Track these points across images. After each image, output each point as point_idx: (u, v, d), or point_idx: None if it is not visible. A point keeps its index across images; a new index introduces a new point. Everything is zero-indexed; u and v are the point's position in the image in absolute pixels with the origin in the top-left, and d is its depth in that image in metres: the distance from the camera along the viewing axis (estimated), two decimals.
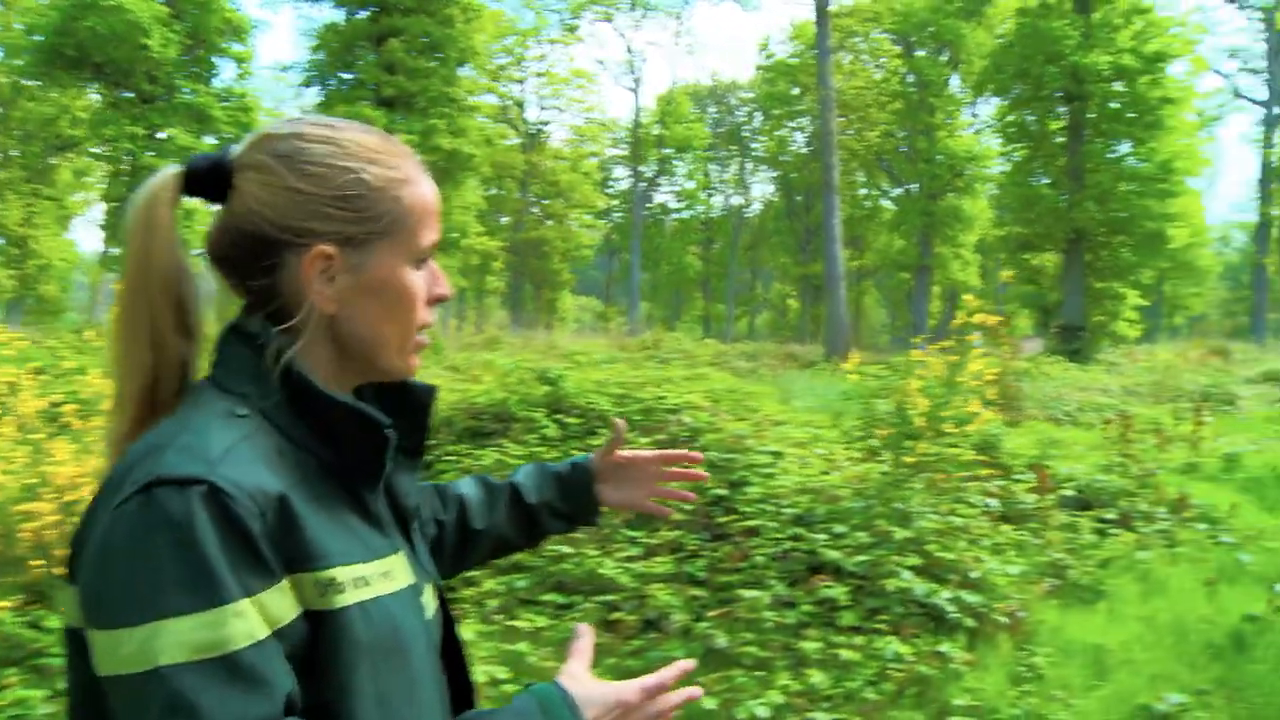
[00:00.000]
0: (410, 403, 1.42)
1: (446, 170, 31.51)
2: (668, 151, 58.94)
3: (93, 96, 32.47)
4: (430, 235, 1.32)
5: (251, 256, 1.25)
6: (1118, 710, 4.87)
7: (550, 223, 61.54)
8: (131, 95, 28.60)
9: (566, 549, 5.61)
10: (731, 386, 8.72)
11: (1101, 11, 32.81)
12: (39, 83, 31.05)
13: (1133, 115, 31.88)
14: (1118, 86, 32.03)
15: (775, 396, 12.01)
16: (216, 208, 1.29)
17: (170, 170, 1.27)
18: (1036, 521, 7.17)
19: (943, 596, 5.40)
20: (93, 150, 31.60)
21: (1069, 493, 8.01)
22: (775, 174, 64.16)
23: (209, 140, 28.84)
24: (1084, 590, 6.47)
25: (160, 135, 28.66)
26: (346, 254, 1.25)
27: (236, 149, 1.28)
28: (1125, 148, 33.33)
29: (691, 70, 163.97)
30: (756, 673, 4.73)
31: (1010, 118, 36.60)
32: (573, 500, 1.84)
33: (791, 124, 59.65)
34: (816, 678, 4.67)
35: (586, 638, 1.42)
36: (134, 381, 1.24)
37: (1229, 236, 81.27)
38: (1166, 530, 7.72)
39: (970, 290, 50.58)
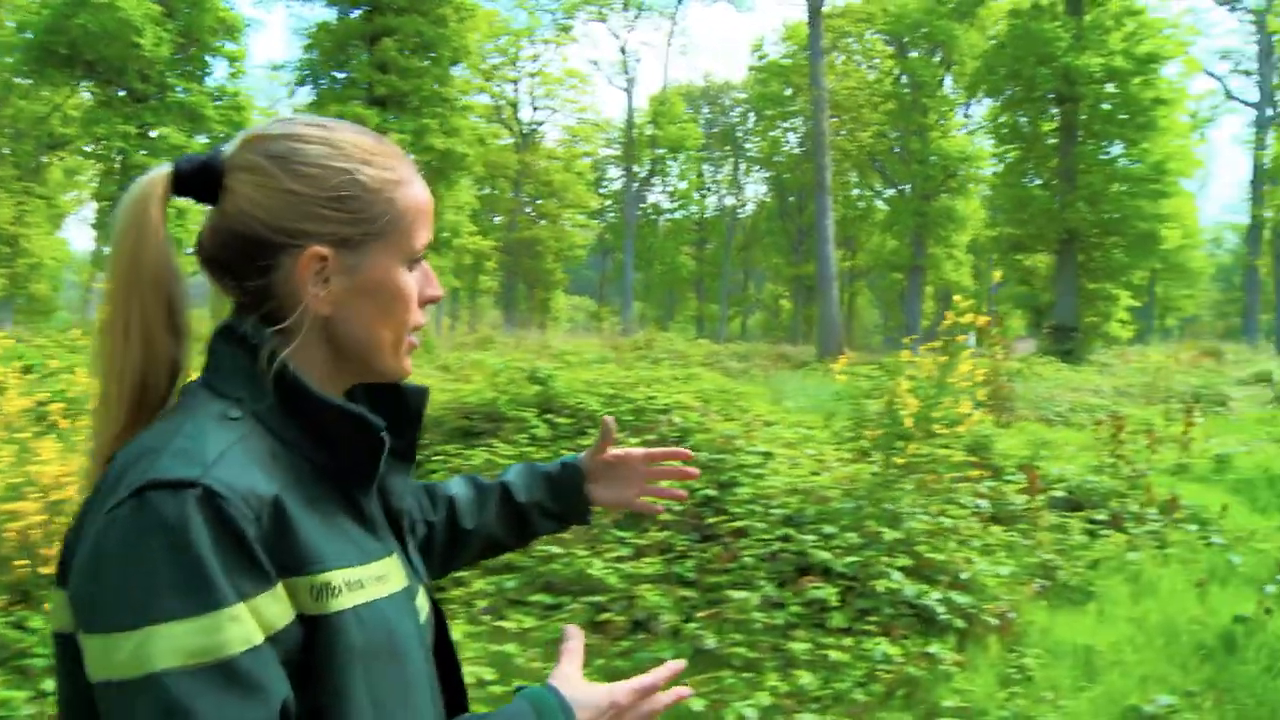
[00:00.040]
0: (402, 405, 1.41)
1: (439, 170, 31.54)
2: (661, 152, 58.93)
3: (85, 95, 32.38)
4: (424, 236, 1.31)
5: (244, 258, 1.23)
6: (1107, 712, 4.86)
7: (543, 222, 61.53)
8: (124, 94, 28.56)
9: (555, 549, 5.59)
10: (722, 387, 8.71)
11: (1093, 13, 32.87)
12: (30, 81, 30.96)
13: (1125, 116, 31.96)
14: (1110, 88, 32.11)
15: (767, 397, 12.01)
16: (207, 208, 1.28)
17: (160, 170, 1.25)
18: (1026, 522, 7.16)
19: (932, 597, 5.39)
20: (84, 149, 31.50)
21: (1059, 494, 8.00)
22: (768, 174, 64.22)
23: (201, 139, 28.80)
24: (1074, 591, 6.46)
25: (152, 134, 28.60)
26: (341, 255, 1.24)
27: (228, 149, 1.26)
28: (1117, 149, 33.43)
29: (685, 71, 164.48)
30: (745, 674, 4.71)
31: (1003, 119, 36.66)
32: (563, 500, 1.82)
33: (785, 124, 59.69)
34: (805, 679, 4.65)
35: (577, 639, 1.43)
36: (124, 383, 1.22)
37: (1221, 238, 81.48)
38: (1157, 531, 7.72)
39: (963, 291, 50.66)
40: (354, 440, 1.24)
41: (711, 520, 5.89)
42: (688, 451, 1.87)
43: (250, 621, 1.06)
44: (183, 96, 28.98)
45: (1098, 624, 5.95)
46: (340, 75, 32.81)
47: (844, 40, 52.16)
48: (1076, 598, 6.39)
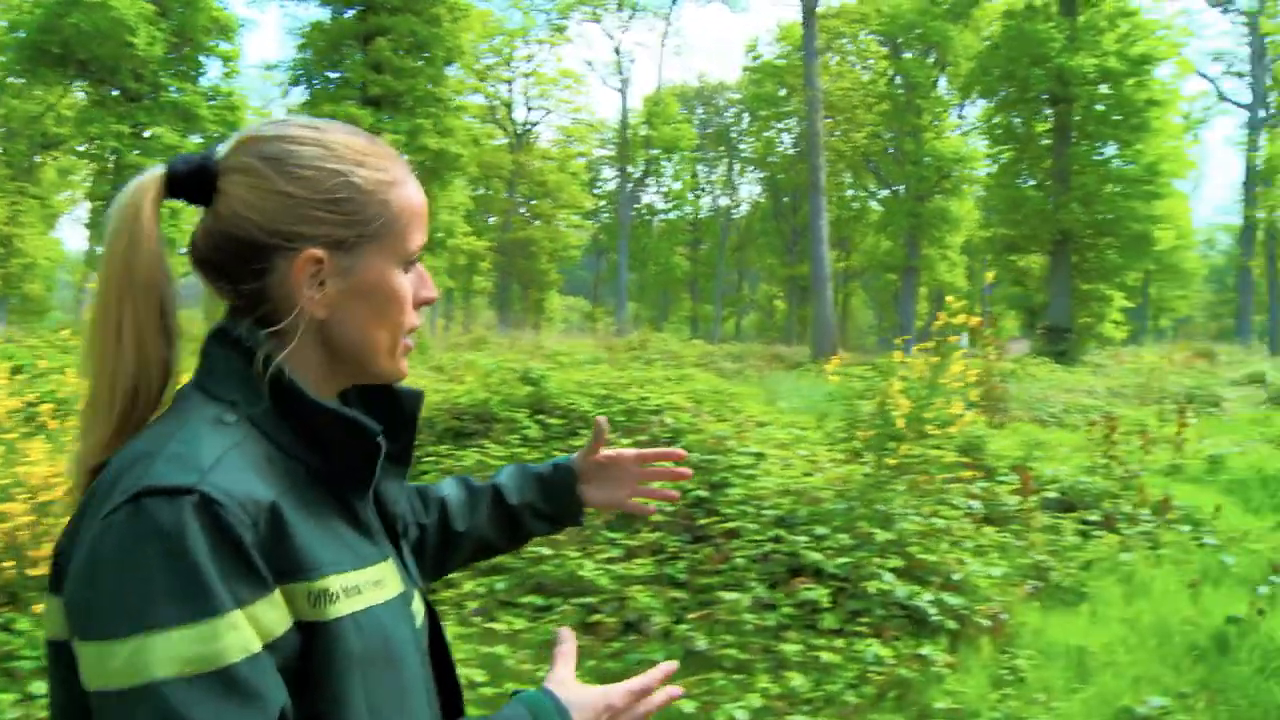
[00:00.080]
0: (397, 408, 1.40)
1: (433, 170, 31.52)
2: (655, 152, 58.94)
3: (78, 94, 32.32)
4: (418, 238, 1.30)
5: (239, 260, 1.22)
6: (1099, 713, 4.85)
7: (538, 223, 61.55)
8: (117, 93, 28.49)
9: (546, 550, 5.57)
10: (715, 387, 8.69)
11: (1087, 14, 32.93)
12: (23, 80, 30.87)
13: (1118, 118, 32.02)
14: (1103, 89, 32.17)
15: (760, 397, 11.99)
16: (200, 210, 1.26)
17: (153, 172, 1.24)
18: (1019, 523, 7.15)
19: (924, 599, 5.38)
20: (78, 148, 31.42)
21: (1052, 494, 7.99)
22: (763, 175, 64.26)
23: (195, 139, 28.73)
24: (1066, 592, 6.45)
25: (146, 134, 28.54)
26: (336, 258, 1.22)
27: (221, 151, 1.25)
28: (1111, 150, 33.49)
29: (679, 71, 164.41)
30: (736, 675, 4.70)
31: (996, 119, 36.75)
32: (555, 501, 1.81)
33: (779, 125, 59.74)
34: (796, 680, 4.64)
35: (569, 642, 1.43)
36: (115, 386, 1.20)
37: (1214, 239, 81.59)
38: (1150, 532, 7.71)
39: (957, 292, 50.72)
40: (350, 445, 1.23)
41: (703, 521, 5.88)
42: (681, 452, 1.86)
43: (248, 629, 1.05)
44: (176, 96, 28.93)
45: (1090, 625, 5.94)
46: (334, 75, 32.80)
47: (838, 41, 52.20)
48: (1069, 599, 6.38)
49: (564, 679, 1.35)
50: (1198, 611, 6.13)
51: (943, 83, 48.92)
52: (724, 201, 69.94)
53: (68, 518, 1.18)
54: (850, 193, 58.36)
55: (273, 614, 1.08)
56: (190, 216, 1.26)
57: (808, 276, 40.19)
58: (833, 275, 40.76)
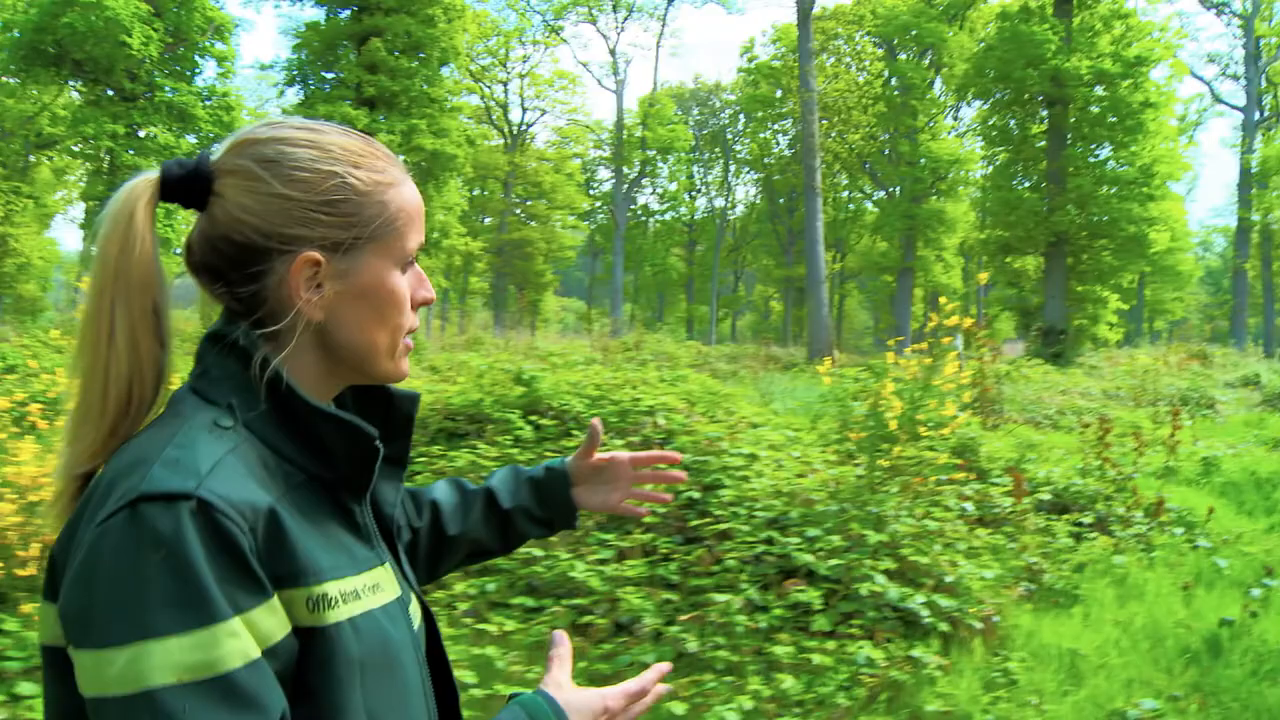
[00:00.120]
0: (393, 410, 1.40)
1: (428, 170, 31.56)
2: (651, 153, 58.93)
3: (73, 94, 32.25)
4: (416, 238, 1.30)
5: (235, 264, 1.21)
6: (1091, 715, 4.85)
7: (533, 224, 61.59)
8: (112, 93, 28.44)
9: (538, 551, 5.56)
10: (709, 388, 8.67)
11: (1082, 16, 32.96)
12: (18, 79, 30.80)
13: (1113, 119, 32.05)
14: (1098, 91, 32.18)
15: (754, 399, 11.99)
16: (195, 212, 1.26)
17: (147, 176, 1.23)
18: (1012, 525, 7.14)
19: (916, 601, 5.36)
20: (72, 148, 31.35)
21: (1045, 496, 7.98)
22: (758, 176, 64.31)
23: (190, 139, 28.71)
24: (1059, 594, 6.44)
25: (141, 134, 28.51)
26: (334, 260, 1.22)
27: (216, 153, 1.24)
28: (1106, 152, 33.51)
29: (675, 72, 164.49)
30: (727, 677, 4.68)
31: (992, 121, 36.79)
32: (548, 505, 1.81)
33: (774, 126, 59.84)
34: (788, 683, 4.62)
35: (564, 645, 1.44)
36: (108, 389, 1.19)
37: (1210, 241, 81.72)
38: (1143, 534, 7.71)
39: (953, 293, 50.84)
40: (348, 449, 1.23)
41: (695, 522, 5.86)
42: (675, 455, 1.87)
43: (247, 636, 1.04)
44: (171, 96, 28.89)
45: (1083, 627, 5.93)
46: (329, 76, 32.83)
47: (833, 42, 52.27)
48: (1062, 601, 6.37)
49: (560, 681, 1.36)
50: (1190, 614, 6.13)
51: (938, 84, 49.05)
52: (720, 203, 70.08)
53: (51, 522, 1.18)
54: (846, 194, 58.45)
55: (271, 620, 1.08)
56: (185, 215, 1.25)
57: (803, 278, 40.23)
58: (828, 277, 40.79)
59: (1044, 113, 34.11)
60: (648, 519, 5.78)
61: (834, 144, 51.59)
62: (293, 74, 33.39)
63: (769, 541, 5.64)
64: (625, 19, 56.95)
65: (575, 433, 7.02)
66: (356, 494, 1.26)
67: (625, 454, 1.84)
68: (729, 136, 67.89)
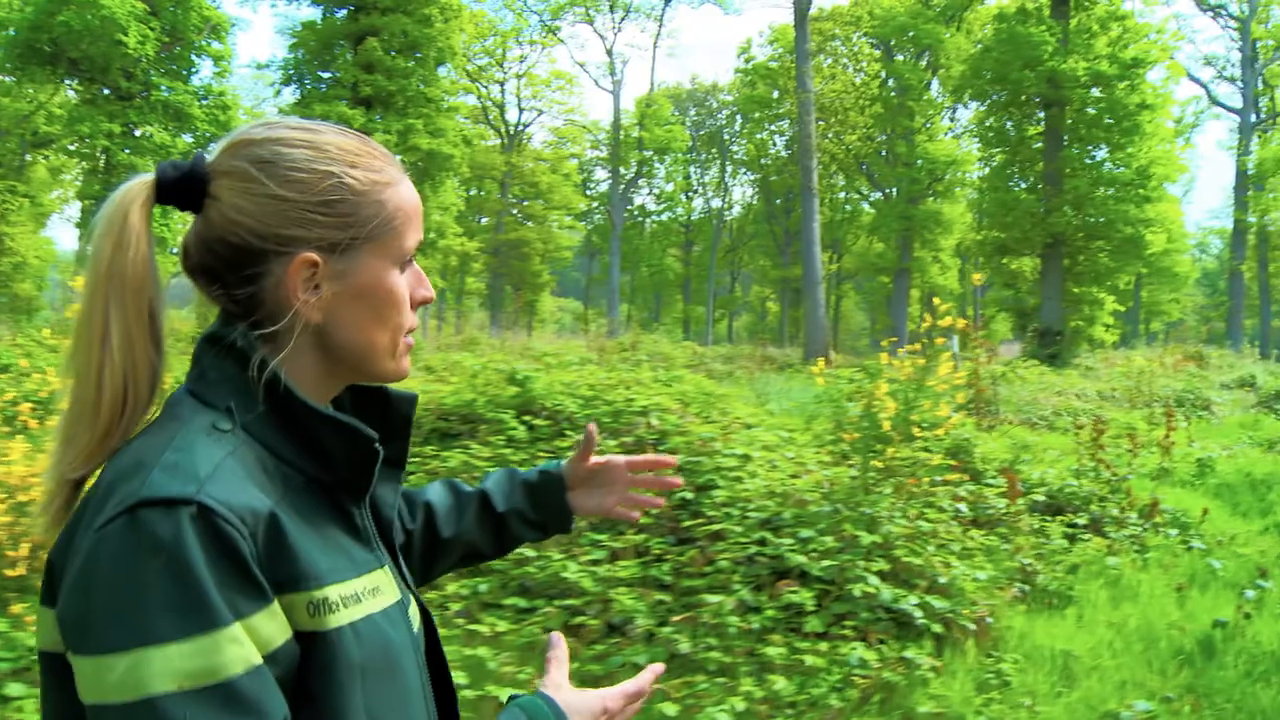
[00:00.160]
0: (391, 411, 1.39)
1: (425, 170, 31.57)
2: (648, 154, 58.98)
3: (69, 93, 32.22)
4: (414, 237, 1.29)
5: (231, 266, 1.21)
6: (1084, 717, 4.84)
7: (530, 224, 61.56)
8: (108, 92, 28.38)
9: (530, 552, 5.54)
10: (704, 389, 8.65)
11: (1078, 18, 32.98)
12: (13, 78, 30.76)
13: (1110, 121, 32.06)
14: (1095, 92, 32.20)
15: (750, 399, 11.97)
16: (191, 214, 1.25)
17: (142, 178, 1.22)
18: (1006, 526, 7.13)
19: (910, 602, 5.35)
20: (68, 147, 31.31)
21: (1040, 497, 7.98)
22: (755, 177, 64.35)
23: (186, 139, 28.67)
24: (1053, 596, 6.44)
25: (137, 133, 28.46)
26: (331, 261, 1.21)
27: (211, 155, 1.23)
28: (1102, 153, 33.53)
29: (672, 73, 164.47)
30: (720, 678, 4.66)
31: (988, 122, 36.80)
32: (543, 509, 1.80)
33: (771, 127, 59.84)
34: (780, 684, 4.61)
35: (561, 647, 1.44)
36: (103, 391, 1.17)
37: (1206, 243, 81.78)
38: (1137, 535, 7.70)
39: (950, 294, 50.88)
40: (347, 451, 1.22)
41: (688, 523, 5.84)
42: (672, 459, 1.86)
43: (248, 642, 1.03)
44: (168, 95, 28.81)
45: (1076, 629, 5.93)
46: (325, 75, 32.82)
47: (830, 43, 52.30)
48: (1055, 602, 6.37)
49: (559, 683, 1.36)
50: (1184, 615, 6.13)
51: (935, 85, 49.07)
52: (717, 203, 70.14)
53: (45, 526, 1.17)
54: (843, 195, 58.49)
55: (272, 625, 1.07)
56: (181, 214, 1.24)
57: (800, 278, 40.22)
58: (825, 277, 40.86)
59: (1041, 114, 34.13)
60: (641, 519, 5.76)
61: (831, 145, 51.62)
62: (289, 73, 33.39)
63: (762, 542, 5.63)
64: (622, 19, 56.95)
65: (569, 433, 7.01)
66: (356, 496, 1.25)
67: (621, 458, 1.83)
68: (726, 137, 67.94)
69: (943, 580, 5.65)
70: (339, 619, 1.13)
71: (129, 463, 1.09)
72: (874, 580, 5.39)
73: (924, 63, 47.95)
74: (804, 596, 5.20)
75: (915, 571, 5.66)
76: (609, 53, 57.24)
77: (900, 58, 48.37)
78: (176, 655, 0.98)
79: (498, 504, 1.77)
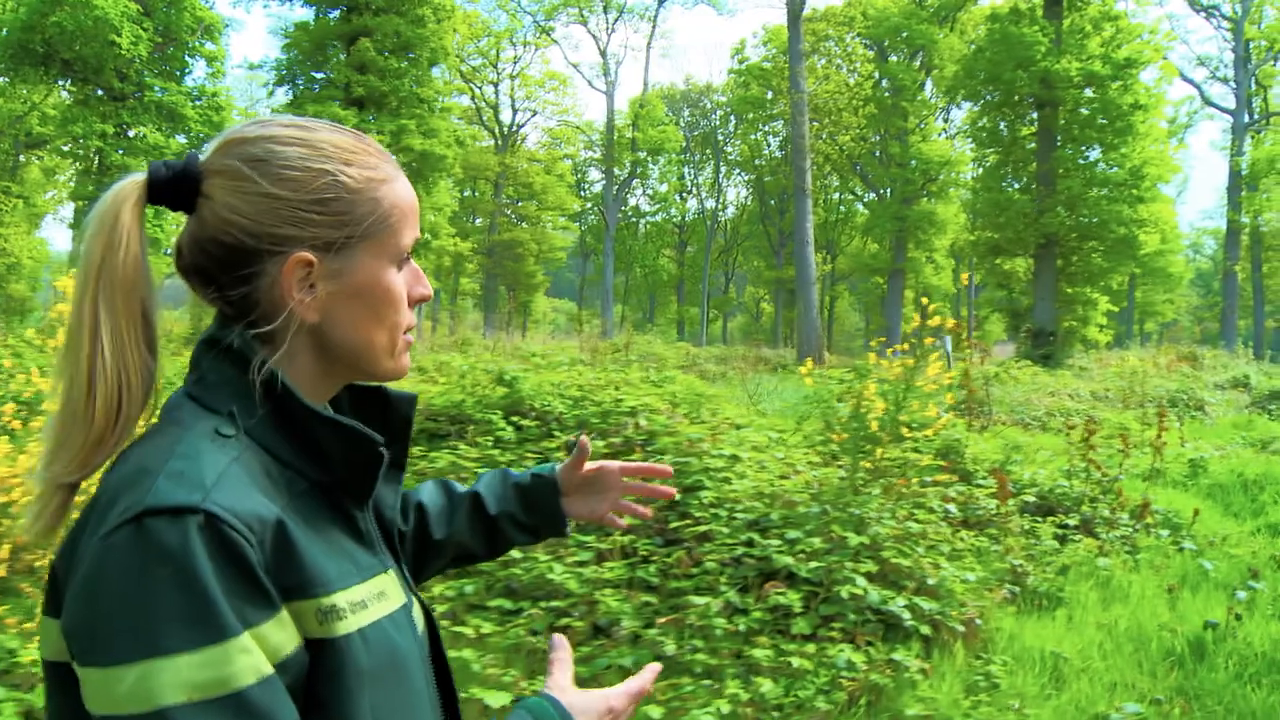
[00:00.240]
0: (390, 412, 1.38)
1: (418, 171, 31.57)
2: (641, 154, 59.00)
3: (63, 94, 32.18)
4: (411, 234, 1.27)
5: (226, 266, 1.19)
6: None
7: (524, 225, 61.57)
8: (101, 93, 28.34)
9: (516, 553, 5.50)
10: (694, 389, 8.63)
11: (1071, 18, 33.03)
12: (6, 79, 30.72)
13: (1103, 121, 32.15)
14: (1088, 93, 32.29)
15: (741, 400, 11.95)
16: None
17: (134, 178, 1.20)
18: (996, 527, 7.11)
19: (898, 604, 5.32)
20: (62, 148, 31.27)
21: (1030, 498, 7.96)
22: (749, 178, 64.48)
23: (180, 139, 28.63)
24: (1043, 597, 6.41)
25: (130, 134, 28.45)
26: (327, 260, 1.19)
27: (204, 154, 1.22)
28: (1095, 153, 33.60)
29: (665, 74, 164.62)
30: (705, 681, 4.63)
31: (982, 123, 36.87)
32: (535, 512, 1.79)
33: (765, 128, 59.93)
34: (767, 686, 4.57)
35: (564, 649, 1.43)
36: (95, 395, 1.15)
37: (1200, 243, 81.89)
38: (1128, 536, 7.68)
39: (944, 295, 50.97)
40: (351, 455, 1.21)
41: (675, 524, 5.81)
42: (667, 469, 1.85)
43: (258, 652, 1.02)
44: (161, 96, 28.78)
45: (1066, 630, 5.90)
46: (318, 76, 32.84)
47: (824, 44, 52.39)
48: (1045, 604, 6.34)
49: (563, 685, 1.36)
50: (1175, 617, 6.10)
51: (928, 86, 49.13)
52: (710, 204, 70.15)
53: (37, 532, 1.16)
54: (837, 196, 58.54)
55: (281, 634, 1.06)
56: (175, 215, 1.22)
57: (794, 279, 40.28)
58: (819, 278, 40.86)
59: (1034, 114, 34.21)
60: (628, 520, 5.73)
61: (824, 145, 51.70)
62: (282, 74, 33.42)
63: (749, 543, 5.60)
64: (616, 20, 57.04)
65: (557, 434, 6.98)
66: (360, 500, 1.24)
67: (615, 464, 1.82)
68: (720, 138, 68.01)
69: (931, 581, 5.62)
70: (347, 625, 1.12)
71: (132, 470, 1.08)
72: (862, 582, 5.35)
73: (917, 63, 48.03)
74: (791, 598, 5.17)
75: (904, 573, 5.63)
76: (603, 53, 57.30)
77: (894, 58, 48.45)
78: (186, 666, 0.97)
79: (490, 506, 1.75)
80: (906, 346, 7.12)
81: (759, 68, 56.18)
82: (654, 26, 66.51)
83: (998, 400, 15.22)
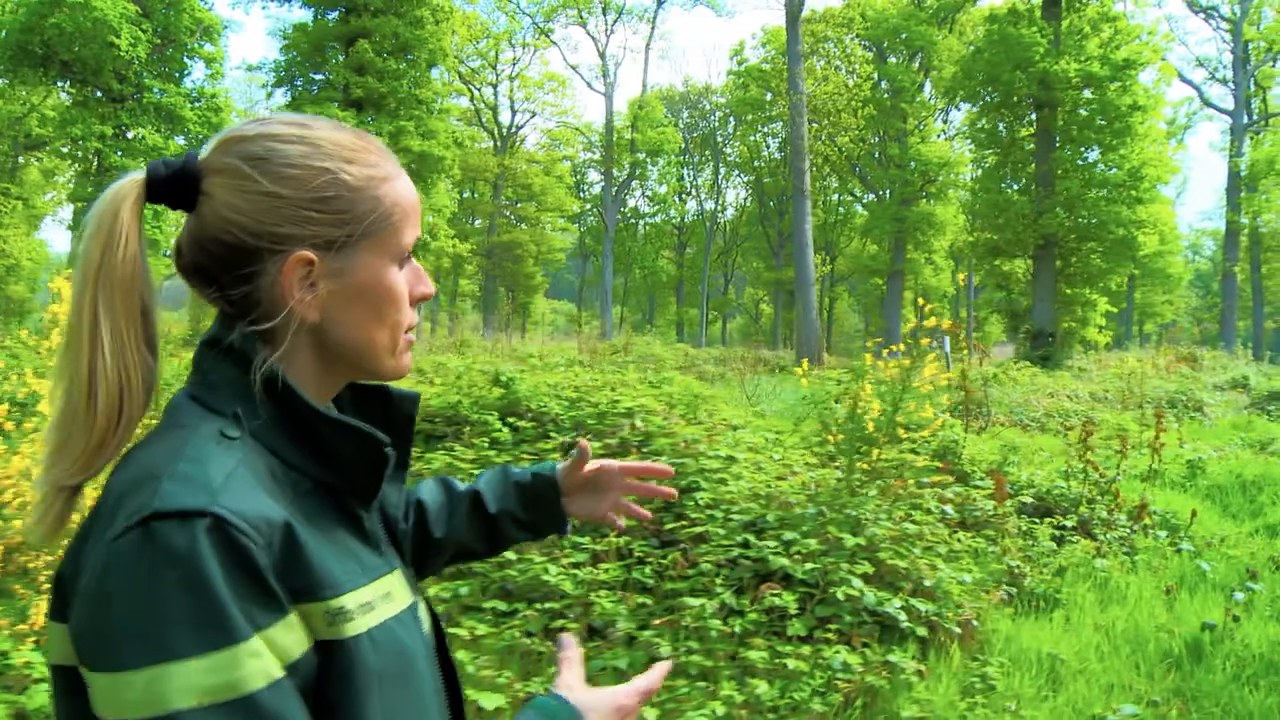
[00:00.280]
0: (393, 411, 1.38)
1: (416, 172, 31.55)
2: (640, 156, 59.01)
3: (62, 95, 32.17)
4: (412, 233, 1.27)
5: (226, 265, 1.18)
6: None
7: (523, 226, 61.58)
8: (100, 94, 28.34)
9: (511, 554, 5.49)
10: (691, 390, 8.62)
11: (1070, 19, 33.03)
12: (5, 80, 30.71)
13: (1102, 122, 32.16)
14: (1087, 94, 32.30)
15: (739, 401, 11.94)
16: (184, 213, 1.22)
17: (132, 177, 1.19)
18: (993, 528, 7.09)
19: (894, 605, 5.30)
20: (61, 149, 31.26)
21: (1028, 499, 7.94)
22: (748, 179, 64.46)
23: (179, 141, 28.64)
24: (1039, 598, 6.39)
25: (129, 135, 28.44)
26: (328, 258, 1.19)
27: (203, 152, 1.21)
28: (1094, 155, 33.61)
29: (664, 75, 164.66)
30: (700, 683, 4.61)
31: (981, 124, 36.87)
32: (535, 511, 1.78)
33: (764, 129, 59.91)
34: (762, 688, 4.55)
35: (573, 649, 1.42)
36: (96, 396, 1.14)
37: (1199, 244, 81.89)
38: (1126, 537, 7.66)
39: (943, 296, 50.95)
40: (357, 455, 1.20)
41: (671, 525, 5.80)
42: (668, 469, 1.84)
43: (268, 655, 1.02)
44: (159, 98, 28.79)
45: (1063, 632, 5.89)
46: (317, 77, 32.87)
47: (823, 45, 52.40)
48: (1042, 605, 6.33)
49: (571, 684, 1.35)
50: (1172, 618, 6.09)
51: (927, 87, 49.14)
52: (710, 205, 70.12)
53: (40, 536, 1.15)
54: (836, 197, 58.54)
55: (290, 637, 1.05)
56: (175, 215, 1.21)
57: (793, 281, 40.27)
58: (818, 279, 40.86)
59: (1032, 115, 34.22)
60: (623, 521, 5.72)
61: (823, 147, 51.70)
62: (281, 75, 33.44)
63: (745, 545, 5.59)
64: (615, 22, 57.09)
65: (553, 435, 6.97)
66: (365, 500, 1.23)
67: (615, 463, 1.81)
68: (719, 139, 67.99)
69: (928, 583, 5.60)
70: (355, 627, 1.12)
71: (137, 473, 1.07)
72: (858, 583, 5.33)
73: (916, 64, 48.04)
74: (787, 600, 5.15)
75: (900, 574, 5.61)
76: (601, 55, 57.35)
77: (892, 59, 48.46)
78: (196, 671, 0.97)
79: (490, 504, 1.74)
80: (903, 347, 7.11)
81: (758, 69, 56.19)
82: (653, 28, 66.52)
83: (996, 401, 15.22)
